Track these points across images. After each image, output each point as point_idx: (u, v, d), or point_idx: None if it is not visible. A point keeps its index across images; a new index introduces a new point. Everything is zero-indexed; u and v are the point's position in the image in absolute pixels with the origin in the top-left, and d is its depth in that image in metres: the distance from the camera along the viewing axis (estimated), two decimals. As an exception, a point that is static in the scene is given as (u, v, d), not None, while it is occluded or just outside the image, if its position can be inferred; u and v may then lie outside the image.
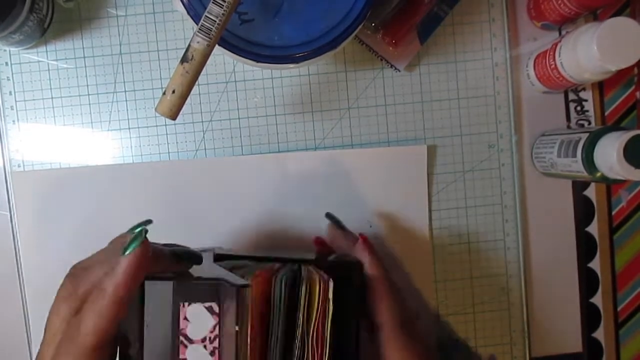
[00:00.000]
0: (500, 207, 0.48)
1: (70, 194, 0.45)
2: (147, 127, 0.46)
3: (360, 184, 0.46)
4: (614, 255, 0.49)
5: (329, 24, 0.36)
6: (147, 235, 0.29)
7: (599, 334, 0.49)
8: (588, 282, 0.49)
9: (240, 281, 0.29)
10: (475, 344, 0.48)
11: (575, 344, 0.49)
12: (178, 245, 0.34)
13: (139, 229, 0.29)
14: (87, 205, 0.45)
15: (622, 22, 0.37)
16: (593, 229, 0.48)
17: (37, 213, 0.45)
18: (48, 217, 0.45)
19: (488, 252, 0.48)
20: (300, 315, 0.33)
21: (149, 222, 0.32)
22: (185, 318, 0.29)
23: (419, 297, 0.46)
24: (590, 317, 0.49)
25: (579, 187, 0.48)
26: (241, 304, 0.29)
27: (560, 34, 0.47)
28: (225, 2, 0.32)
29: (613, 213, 0.49)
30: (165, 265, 0.31)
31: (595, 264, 0.49)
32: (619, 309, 0.49)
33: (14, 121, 0.46)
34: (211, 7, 0.33)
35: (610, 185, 0.48)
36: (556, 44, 0.42)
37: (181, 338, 0.29)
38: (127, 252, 0.28)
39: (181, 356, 0.29)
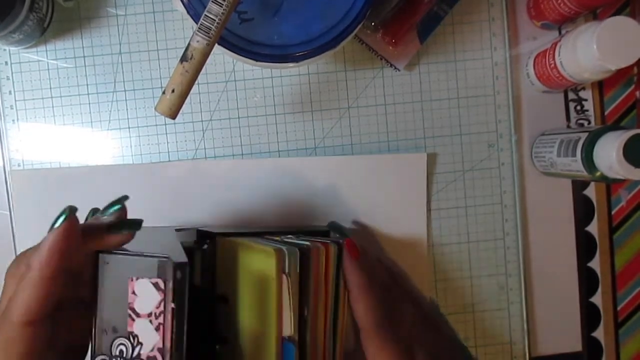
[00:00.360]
0: (500, 207, 0.48)
1: (68, 193, 0.45)
2: (147, 126, 0.46)
3: (358, 191, 0.46)
4: (613, 254, 0.49)
5: (328, 23, 0.36)
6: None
7: (599, 334, 0.49)
8: (588, 282, 0.49)
9: (180, 258, 0.29)
10: (475, 344, 0.48)
11: (575, 344, 0.49)
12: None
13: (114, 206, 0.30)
14: (85, 205, 0.45)
15: (622, 22, 0.37)
16: (593, 228, 0.48)
17: (35, 212, 0.45)
18: (46, 216, 0.45)
19: (488, 252, 0.48)
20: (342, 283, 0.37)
21: (126, 197, 0.32)
22: (134, 292, 0.30)
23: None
24: (590, 317, 0.49)
25: (578, 186, 0.48)
26: (178, 282, 0.29)
27: (560, 33, 0.47)
28: (224, 1, 0.32)
29: (613, 212, 0.49)
30: (103, 238, 0.30)
31: (595, 264, 0.49)
32: (618, 308, 0.49)
33: (13, 120, 0.46)
34: (211, 6, 0.33)
35: (610, 185, 0.48)
36: (556, 44, 0.42)
37: (129, 312, 0.30)
38: (53, 228, 0.28)
39: (129, 329, 0.30)
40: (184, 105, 0.33)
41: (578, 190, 0.48)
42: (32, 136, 0.46)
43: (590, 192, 0.48)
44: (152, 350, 0.29)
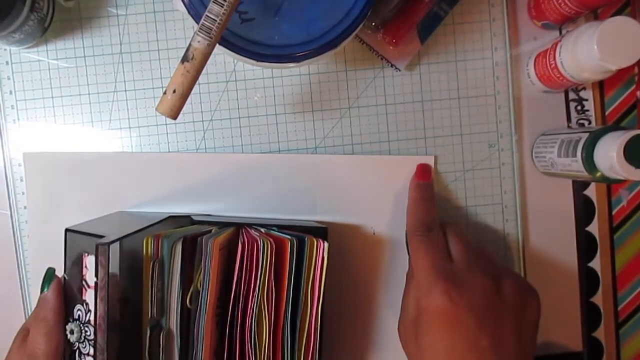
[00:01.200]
0: (501, 207, 0.48)
1: (80, 178, 0.46)
2: (148, 126, 0.46)
3: (365, 191, 0.46)
4: (614, 254, 0.49)
5: (329, 23, 0.36)
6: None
7: (600, 334, 0.49)
8: (588, 282, 0.49)
9: (104, 239, 0.33)
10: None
11: (575, 344, 0.49)
12: None
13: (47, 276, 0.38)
14: (95, 190, 0.46)
15: (623, 22, 0.37)
16: (593, 228, 0.48)
17: (47, 194, 0.46)
18: (58, 199, 0.46)
19: (488, 252, 0.48)
20: (305, 273, 0.39)
21: (53, 270, 0.38)
22: (86, 266, 0.34)
23: None
24: (590, 317, 0.49)
25: (579, 186, 0.48)
26: (100, 260, 0.32)
27: (560, 33, 0.47)
28: (225, 1, 0.32)
29: (613, 212, 0.49)
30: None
31: (595, 264, 0.49)
32: (619, 308, 0.49)
33: (14, 120, 0.46)
34: (212, 6, 0.33)
35: (611, 185, 0.48)
36: (556, 43, 0.42)
37: (83, 282, 0.35)
38: (47, 288, 0.37)
39: (83, 297, 0.35)
40: (184, 106, 0.33)
41: (579, 190, 0.48)
42: (33, 136, 0.46)
43: (591, 192, 0.48)
44: (97, 318, 0.33)
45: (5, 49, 0.45)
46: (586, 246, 0.48)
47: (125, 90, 0.46)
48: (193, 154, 0.46)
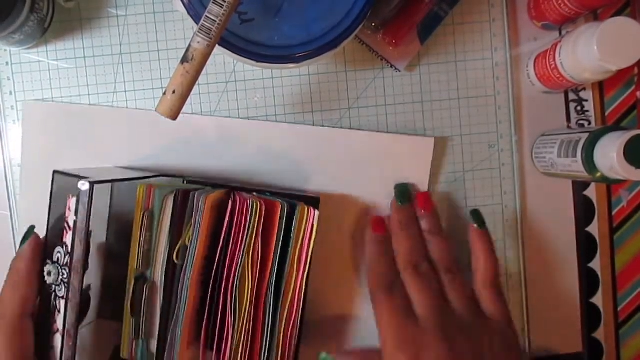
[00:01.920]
0: (501, 207, 0.48)
1: (79, 130, 0.45)
2: (148, 127, 0.46)
3: (362, 167, 0.46)
4: (614, 255, 0.49)
5: (329, 23, 0.36)
6: None
7: (600, 334, 0.49)
8: (588, 282, 0.49)
9: (87, 179, 0.33)
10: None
11: (575, 344, 0.49)
12: None
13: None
14: (92, 145, 0.45)
15: (623, 22, 0.37)
16: (593, 228, 0.48)
17: (44, 145, 0.45)
18: (54, 150, 0.45)
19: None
20: (293, 239, 0.39)
21: (33, 228, 0.38)
22: (69, 208, 0.34)
23: None
24: (590, 317, 0.49)
25: (579, 187, 0.48)
26: (82, 199, 0.32)
27: (560, 33, 0.47)
28: (225, 2, 0.32)
29: (613, 213, 0.49)
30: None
31: (595, 264, 0.49)
32: (619, 309, 0.49)
33: (14, 121, 0.46)
34: (211, 7, 0.33)
35: (611, 185, 0.48)
36: (556, 44, 0.42)
37: (65, 224, 0.35)
38: (24, 243, 0.36)
39: (63, 239, 0.35)
40: (184, 106, 0.33)
41: (579, 191, 0.48)
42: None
43: (591, 192, 0.48)
44: (77, 260, 0.33)
45: (5, 50, 0.45)
46: (586, 246, 0.48)
47: (125, 91, 0.46)
48: (193, 116, 0.46)
